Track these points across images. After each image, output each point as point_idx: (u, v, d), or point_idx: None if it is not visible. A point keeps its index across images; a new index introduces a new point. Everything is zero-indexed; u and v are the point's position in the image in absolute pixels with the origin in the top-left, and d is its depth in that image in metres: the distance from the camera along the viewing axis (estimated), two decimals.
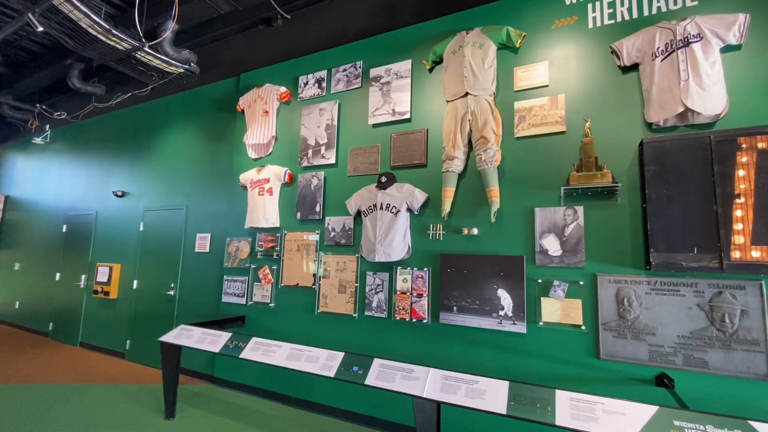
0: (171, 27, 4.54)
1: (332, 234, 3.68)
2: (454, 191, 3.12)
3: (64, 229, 6.23)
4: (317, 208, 3.80)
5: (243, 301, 4.09)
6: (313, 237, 3.78)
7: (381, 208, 3.35)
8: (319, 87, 4.02)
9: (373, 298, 3.39)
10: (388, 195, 3.36)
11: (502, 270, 2.87)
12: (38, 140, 6.94)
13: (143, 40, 4.40)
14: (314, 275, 3.71)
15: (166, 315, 4.72)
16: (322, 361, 2.63)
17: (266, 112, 4.25)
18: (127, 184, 5.56)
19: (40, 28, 3.91)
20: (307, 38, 4.31)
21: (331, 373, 2.51)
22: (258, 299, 4.00)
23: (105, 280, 5.32)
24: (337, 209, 3.72)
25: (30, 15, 3.82)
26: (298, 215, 3.89)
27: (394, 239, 3.26)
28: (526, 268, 2.81)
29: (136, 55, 4.56)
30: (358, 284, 3.48)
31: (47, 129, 7.06)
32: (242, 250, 4.18)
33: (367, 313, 3.39)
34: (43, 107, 7.18)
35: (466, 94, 3.10)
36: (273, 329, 3.87)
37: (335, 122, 3.85)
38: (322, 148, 3.87)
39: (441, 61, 3.36)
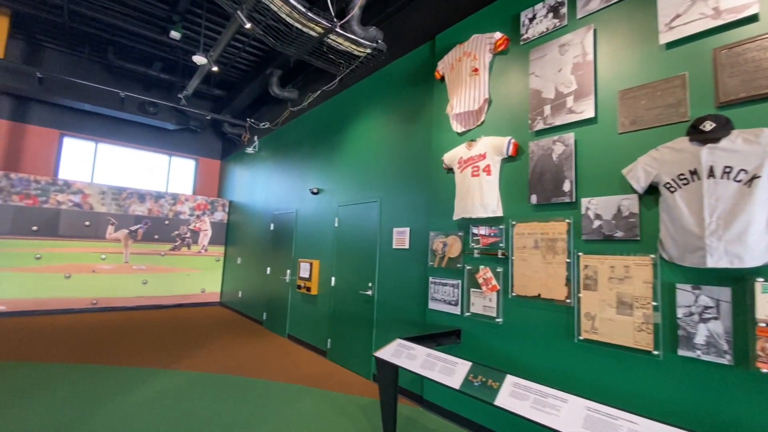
0: (358, 2, 4.12)
1: (597, 223, 2.45)
2: None
3: (271, 227, 6.80)
4: (565, 187, 2.63)
5: (456, 310, 3.25)
6: (560, 228, 2.63)
7: (711, 174, 1.95)
8: (556, 16, 2.84)
9: (696, 328, 2.01)
10: (724, 151, 1.93)
11: None
12: (250, 150, 7.91)
13: (335, 20, 4.10)
14: (568, 284, 2.55)
15: (364, 317, 4.34)
16: None
17: (475, 70, 3.31)
18: (321, 180, 5.55)
19: (248, 25, 3.96)
20: None
21: None
22: (478, 310, 3.09)
23: (307, 275, 5.39)
24: (601, 185, 2.47)
25: (239, 12, 3.89)
26: (533, 198, 2.81)
27: (748, 229, 1.83)
28: None
29: (328, 40, 4.31)
30: (659, 303, 2.15)
31: (256, 139, 7.98)
32: (451, 247, 3.35)
33: (683, 352, 2.04)
34: (252, 120, 8.16)
35: None
36: (501, 353, 2.89)
37: (590, 57, 2.61)
38: (569, 100, 2.68)
39: None
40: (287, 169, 6.58)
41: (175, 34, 6.10)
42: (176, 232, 8.37)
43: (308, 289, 5.32)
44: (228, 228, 9.08)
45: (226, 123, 8.51)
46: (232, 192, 9.12)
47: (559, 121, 2.72)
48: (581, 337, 2.46)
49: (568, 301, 2.54)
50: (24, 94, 6.79)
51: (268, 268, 6.70)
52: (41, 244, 6.88)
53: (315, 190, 5.56)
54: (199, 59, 5.52)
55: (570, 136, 2.65)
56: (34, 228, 6.83)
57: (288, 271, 6.02)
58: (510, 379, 2.01)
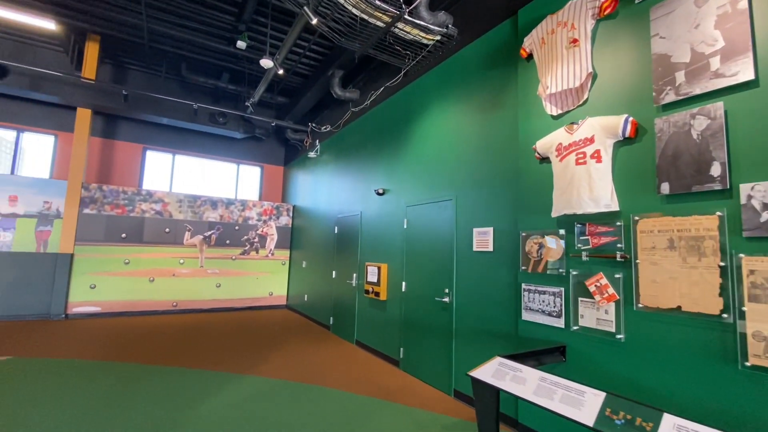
0: None
1: (766, 215, 1.88)
2: None
3: (335, 231, 6.71)
4: (714, 170, 2.08)
5: (559, 323, 2.79)
6: (709, 223, 2.08)
7: None
8: None
9: None
10: None
11: None
12: (312, 154, 7.94)
13: (403, 6, 3.82)
14: (723, 294, 2.00)
15: (442, 325, 3.99)
16: None
17: (574, 41, 2.83)
18: (386, 181, 5.32)
19: (314, 20, 3.82)
20: None
21: None
22: (589, 324, 2.60)
23: (375, 280, 5.17)
24: None
25: (305, 8, 3.76)
26: (665, 188, 2.27)
27: None
28: None
29: (395, 30, 4.05)
30: None
31: (317, 144, 8.00)
32: (550, 249, 2.89)
33: None
34: (313, 125, 8.20)
35: None
36: (624, 378, 2.38)
37: (743, 3, 2.04)
38: (713, 61, 2.12)
39: None
40: (350, 171, 6.45)
41: (241, 44, 6.25)
42: (245, 237, 8.65)
43: (377, 294, 5.09)
44: (292, 232, 9.23)
45: (288, 129, 8.65)
46: (296, 197, 9.26)
47: (699, 90, 2.17)
48: (749, 363, 1.90)
49: (724, 316, 1.99)
50: (112, 112, 7.40)
51: (334, 272, 6.61)
52: (129, 250, 7.42)
53: (380, 191, 5.34)
54: (265, 62, 5.57)
55: (717, 107, 2.09)
56: (123, 235, 7.39)
57: (354, 275, 5.86)
58: (669, 420, 1.55)
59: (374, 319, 5.27)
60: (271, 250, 8.95)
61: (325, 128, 7.55)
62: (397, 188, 5.06)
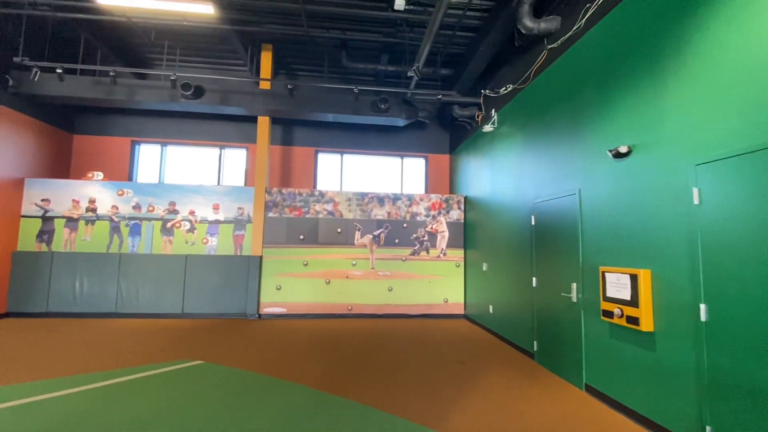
0: None
1: None
2: None
3: (532, 222, 4.89)
4: None
5: None
6: None
7: None
8: None
9: None
10: None
11: None
12: (487, 127, 6.31)
13: None
14: None
15: None
16: None
17: None
18: (634, 131, 3.24)
19: None
20: None
21: None
22: None
23: (624, 296, 3.16)
24: None
25: None
26: None
27: None
28: None
29: None
30: None
31: (493, 114, 6.33)
32: None
33: None
34: (487, 91, 6.58)
35: None
36: None
37: None
38: None
39: None
40: (550, 135, 4.54)
41: (399, 3, 5.19)
42: (414, 235, 7.68)
43: (633, 320, 3.07)
44: (465, 228, 7.79)
45: (455, 106, 7.27)
46: (466, 186, 7.79)
47: None
48: None
49: None
50: (286, 116, 7.56)
51: (534, 279, 4.80)
52: (307, 252, 7.39)
53: (623, 150, 3.29)
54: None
55: None
56: (301, 237, 7.41)
57: (574, 286, 3.93)
58: None
59: (627, 358, 3.24)
60: (442, 249, 7.73)
61: (506, 89, 5.81)
62: (661, 138, 2.94)
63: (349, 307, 7.36)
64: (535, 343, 4.73)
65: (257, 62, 7.70)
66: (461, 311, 7.62)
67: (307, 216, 7.49)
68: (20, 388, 3.49)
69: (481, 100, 6.84)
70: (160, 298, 6.98)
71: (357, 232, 7.56)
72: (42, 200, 6.97)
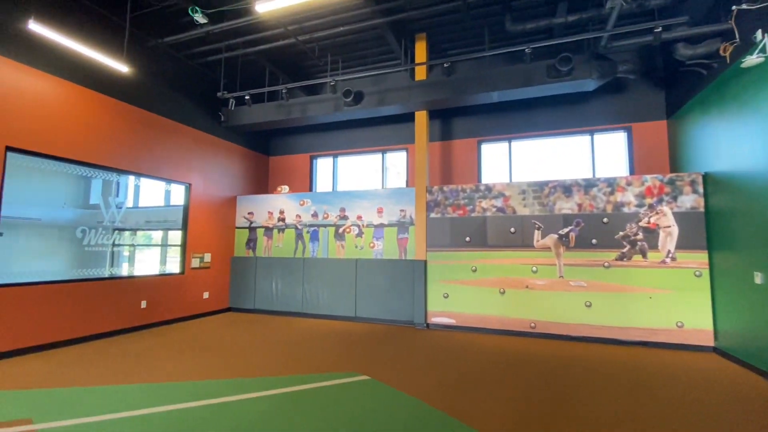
0: None
1: None
2: None
3: None
4: None
5: None
6: None
7: None
8: None
9: None
10: None
11: None
12: (752, 59, 4.00)
13: None
14: None
15: None
16: None
17: None
18: None
19: None
20: None
21: None
22: None
23: None
24: None
25: None
26: None
27: None
28: None
29: None
30: None
31: (760, 35, 3.98)
32: None
33: None
34: (743, 5, 4.24)
35: None
36: None
37: None
38: None
39: None
40: None
41: None
42: (621, 233, 5.70)
43: None
44: (708, 220, 5.31)
45: (679, 44, 5.04)
46: (705, 159, 5.32)
47: None
48: None
49: None
50: (444, 106, 6.84)
51: None
52: (475, 256, 6.42)
53: None
54: None
55: None
56: (467, 239, 6.49)
57: None
58: None
59: None
60: (669, 252, 5.46)
61: None
62: None
63: (532, 325, 5.98)
64: None
65: (411, 55, 7.27)
66: (709, 342, 5.17)
67: (473, 215, 6.52)
68: (202, 385, 3.77)
69: (732, 22, 4.47)
70: (336, 300, 7.26)
71: (537, 231, 6.13)
72: (248, 213, 8.29)
